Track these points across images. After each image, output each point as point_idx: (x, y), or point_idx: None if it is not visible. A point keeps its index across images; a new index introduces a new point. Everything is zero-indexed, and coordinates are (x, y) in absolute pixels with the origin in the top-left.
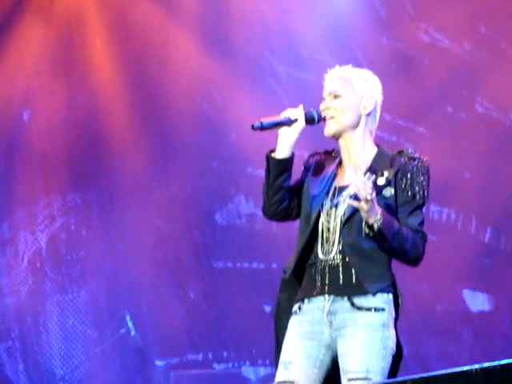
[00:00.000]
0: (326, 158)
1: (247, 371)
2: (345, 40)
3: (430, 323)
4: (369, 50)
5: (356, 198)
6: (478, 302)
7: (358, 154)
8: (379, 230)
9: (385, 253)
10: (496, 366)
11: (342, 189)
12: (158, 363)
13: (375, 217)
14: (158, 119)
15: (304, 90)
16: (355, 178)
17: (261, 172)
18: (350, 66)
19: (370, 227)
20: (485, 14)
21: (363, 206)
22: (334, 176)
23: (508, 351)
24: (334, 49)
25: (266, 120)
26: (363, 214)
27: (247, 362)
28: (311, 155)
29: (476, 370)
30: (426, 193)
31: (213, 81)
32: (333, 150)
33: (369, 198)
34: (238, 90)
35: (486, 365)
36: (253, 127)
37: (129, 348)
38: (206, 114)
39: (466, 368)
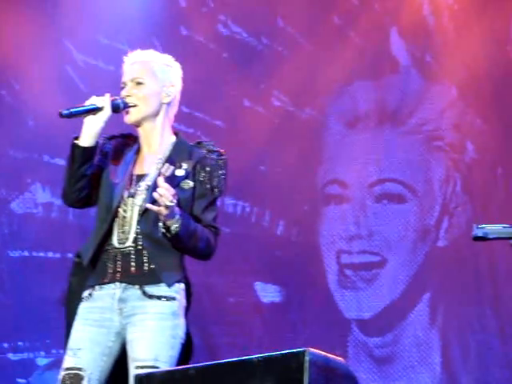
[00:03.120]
0: (123, 143)
1: (41, 361)
2: (144, 30)
3: (221, 314)
4: (167, 41)
5: (156, 188)
6: (269, 293)
7: (157, 142)
8: (176, 233)
9: (177, 250)
10: (276, 355)
11: (140, 177)
12: None
13: (173, 221)
14: None
15: (102, 79)
16: (158, 181)
17: (58, 161)
18: (151, 51)
19: (167, 229)
20: (283, 7)
21: (162, 211)
22: (133, 163)
23: (296, 341)
24: (133, 38)
25: (74, 108)
26: (161, 218)
27: (42, 352)
28: (107, 139)
29: (257, 359)
30: (223, 186)
31: (10, 67)
32: (129, 135)
33: (169, 204)
34: (36, 77)
35: (266, 354)
36: (61, 114)
37: None
38: (3, 101)
39: (247, 357)
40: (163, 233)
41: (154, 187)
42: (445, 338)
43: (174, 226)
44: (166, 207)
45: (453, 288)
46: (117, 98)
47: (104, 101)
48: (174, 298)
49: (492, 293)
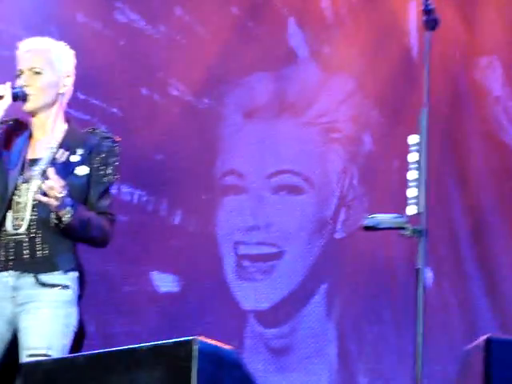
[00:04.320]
0: (13, 128)
1: None
2: (40, 16)
3: (117, 303)
4: (64, 28)
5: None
6: (165, 283)
7: (49, 129)
8: (68, 223)
9: (71, 239)
10: (165, 344)
11: (33, 162)
12: None
13: (65, 212)
14: None
15: None
16: (48, 172)
17: None
18: (48, 39)
19: (59, 219)
20: None
21: (52, 202)
22: (26, 148)
23: (193, 331)
24: (29, 24)
25: None
26: (52, 208)
27: None
28: None
29: (146, 347)
30: (116, 174)
31: None
32: (18, 119)
33: (59, 196)
34: None
35: (155, 343)
36: None
37: None
38: None
39: (136, 346)
40: (56, 223)
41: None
42: (341, 329)
43: (66, 217)
44: (56, 198)
45: (349, 280)
46: (16, 86)
47: (5, 89)
48: (67, 287)
49: (388, 285)
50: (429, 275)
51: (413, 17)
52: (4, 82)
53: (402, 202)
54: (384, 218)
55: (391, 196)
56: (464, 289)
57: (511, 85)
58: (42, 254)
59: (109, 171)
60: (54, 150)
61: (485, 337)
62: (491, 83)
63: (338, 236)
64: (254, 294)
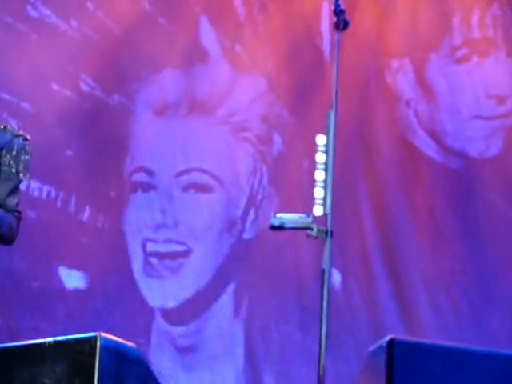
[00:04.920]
0: None
1: None
2: None
3: (24, 299)
4: None
5: None
6: (73, 279)
7: None
8: None
9: None
10: (68, 339)
11: None
12: None
13: None
14: None
15: None
16: None
17: None
18: None
19: None
20: None
21: None
22: None
23: (100, 328)
24: None
25: None
26: None
27: None
28: None
29: (48, 343)
30: (27, 171)
31: None
32: None
33: None
34: None
35: (58, 338)
36: None
37: None
38: None
39: (38, 341)
40: None
41: None
42: (248, 329)
43: None
44: None
45: (258, 280)
46: None
47: None
48: None
49: (296, 285)
50: (336, 277)
51: (325, 17)
52: None
53: (311, 203)
54: (290, 218)
55: (301, 196)
56: (371, 291)
57: (422, 88)
58: None
59: (19, 169)
60: None
61: (388, 338)
62: (402, 86)
63: (246, 235)
64: (161, 292)
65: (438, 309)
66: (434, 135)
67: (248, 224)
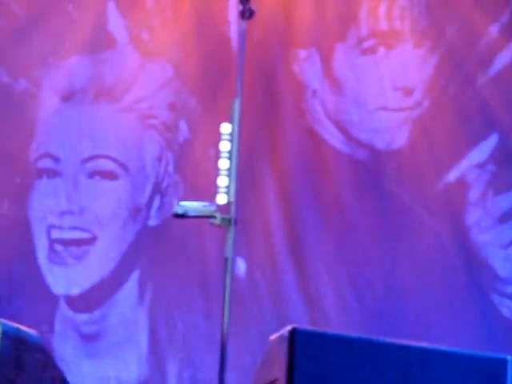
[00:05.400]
0: None
1: None
2: None
3: None
4: None
5: None
6: None
7: None
8: None
9: None
10: None
11: None
12: None
13: None
14: None
15: None
16: None
17: None
18: None
19: None
20: None
21: None
22: None
23: (1, 313)
24: None
25: None
26: None
27: None
28: None
29: None
30: None
31: None
32: None
33: None
34: None
35: None
36: None
37: None
38: None
39: None
40: None
41: None
42: (153, 317)
43: None
44: None
45: (163, 268)
46: None
47: None
48: None
49: (201, 274)
50: (241, 266)
51: (232, 5)
52: None
53: (217, 191)
54: (193, 206)
55: (207, 184)
56: (277, 281)
57: (329, 78)
58: None
59: None
60: None
61: (289, 327)
62: (309, 76)
63: (151, 223)
64: (65, 279)
65: (343, 301)
66: (340, 126)
67: (153, 211)
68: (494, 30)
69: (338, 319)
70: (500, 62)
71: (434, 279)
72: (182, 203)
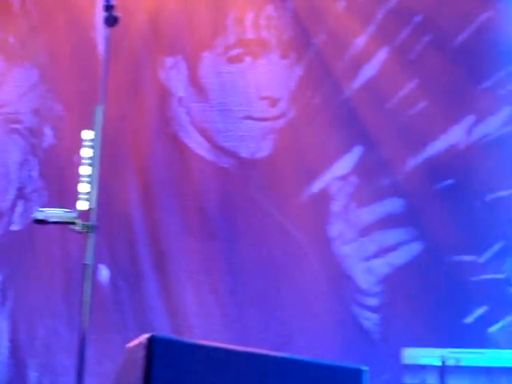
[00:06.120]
0: None
1: None
2: None
3: None
4: None
5: None
6: None
7: None
8: None
9: None
10: None
11: None
12: None
13: None
14: None
15: None
16: None
17: None
18: None
19: None
20: None
21: None
22: None
23: None
24: None
25: None
26: None
27: None
28: None
29: None
30: None
31: None
32: None
33: None
34: None
35: None
36: None
37: None
38: None
39: None
40: None
41: None
42: (14, 322)
43: None
44: None
45: (25, 273)
46: None
47: None
48: None
49: (63, 279)
50: (104, 272)
51: (99, 12)
52: None
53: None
54: (54, 212)
55: (71, 191)
56: (139, 289)
57: (195, 86)
58: None
59: None
60: None
61: (148, 335)
62: (176, 84)
63: (14, 228)
64: None
65: (206, 309)
66: (205, 134)
67: (16, 216)
68: (360, 41)
69: (200, 327)
70: (366, 73)
71: (298, 290)
72: (42, 209)
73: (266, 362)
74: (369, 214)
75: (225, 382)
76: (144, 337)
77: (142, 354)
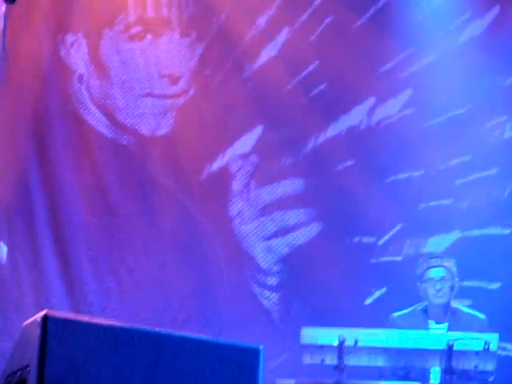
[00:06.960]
0: None
1: None
2: None
3: None
4: None
5: None
6: None
7: None
8: None
9: None
10: None
11: None
12: None
13: None
14: None
15: None
16: None
17: None
18: None
19: None
20: None
21: None
22: None
23: None
24: None
25: None
26: None
27: None
28: None
29: None
30: None
31: None
32: None
33: None
34: None
35: None
36: None
37: None
38: None
39: None
40: None
41: None
42: None
43: None
44: None
45: None
46: None
47: None
48: None
49: None
50: (3, 250)
51: None
52: None
53: None
54: None
55: None
56: (38, 267)
57: (96, 63)
58: None
59: None
60: None
61: (42, 313)
62: (76, 61)
63: None
64: None
65: (105, 288)
66: (105, 111)
67: None
68: (262, 21)
69: (99, 305)
70: (267, 53)
71: (198, 268)
72: None
73: (162, 340)
74: (269, 193)
75: (120, 359)
76: (39, 315)
77: (36, 332)
